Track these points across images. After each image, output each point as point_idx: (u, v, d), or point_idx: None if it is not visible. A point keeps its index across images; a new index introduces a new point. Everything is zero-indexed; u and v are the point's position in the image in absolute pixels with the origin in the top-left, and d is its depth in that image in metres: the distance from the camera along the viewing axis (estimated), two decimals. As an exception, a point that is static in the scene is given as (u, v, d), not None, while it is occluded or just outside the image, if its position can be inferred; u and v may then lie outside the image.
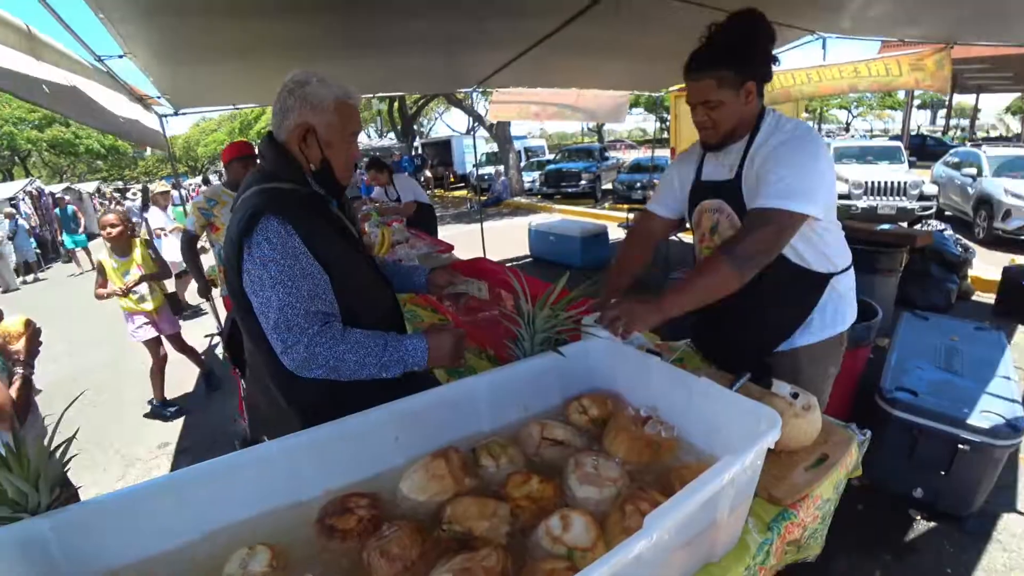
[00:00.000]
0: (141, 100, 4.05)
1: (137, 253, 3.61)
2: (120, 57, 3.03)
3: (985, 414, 2.18)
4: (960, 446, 2.17)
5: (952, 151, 10.32)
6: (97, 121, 2.70)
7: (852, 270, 1.54)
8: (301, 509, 0.98)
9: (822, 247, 1.43)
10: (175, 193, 6.20)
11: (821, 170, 1.30)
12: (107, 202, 19.62)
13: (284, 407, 1.28)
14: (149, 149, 4.56)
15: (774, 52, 1.39)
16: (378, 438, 1.06)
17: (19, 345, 1.69)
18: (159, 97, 4.14)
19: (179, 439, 3.57)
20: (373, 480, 1.04)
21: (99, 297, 3.58)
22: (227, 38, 3.13)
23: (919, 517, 2.33)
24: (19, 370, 1.66)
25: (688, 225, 1.67)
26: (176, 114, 4.64)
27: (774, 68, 1.41)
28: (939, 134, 25.67)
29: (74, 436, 0.94)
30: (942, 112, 28.88)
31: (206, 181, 20.11)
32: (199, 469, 0.92)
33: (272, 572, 0.83)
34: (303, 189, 1.19)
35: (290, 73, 1.22)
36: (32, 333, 1.73)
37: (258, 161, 1.29)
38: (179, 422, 3.81)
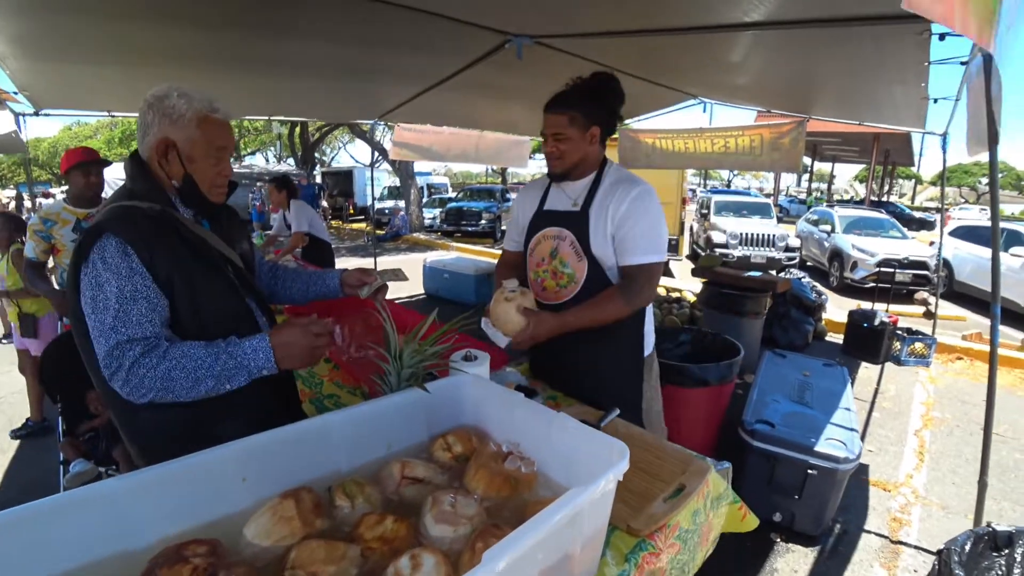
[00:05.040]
0: (-8, 95, 3.59)
1: None
2: (-34, 46, 2.67)
3: (829, 441, 2.43)
4: (809, 471, 2.39)
5: (811, 209, 11.81)
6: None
7: (651, 306, 1.84)
8: (129, 561, 0.85)
9: None
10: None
11: (664, 221, 1.63)
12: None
13: (130, 442, 1.21)
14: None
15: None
16: (224, 478, 0.96)
17: None
18: (16, 93, 3.68)
19: (0, 488, 3.03)
20: (216, 524, 0.93)
21: None
22: (104, 40, 2.88)
23: (778, 540, 2.52)
24: None
25: (524, 252, 1.86)
26: (37, 114, 4.14)
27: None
28: (804, 195, 29.64)
29: None
30: (806, 176, 33.21)
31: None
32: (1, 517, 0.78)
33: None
34: (155, 207, 1.14)
35: (153, 87, 1.17)
36: None
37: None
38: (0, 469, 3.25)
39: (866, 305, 5.89)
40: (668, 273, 9.61)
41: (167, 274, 1.11)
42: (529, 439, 1.05)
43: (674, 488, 1.24)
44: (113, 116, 4.51)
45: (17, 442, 3.55)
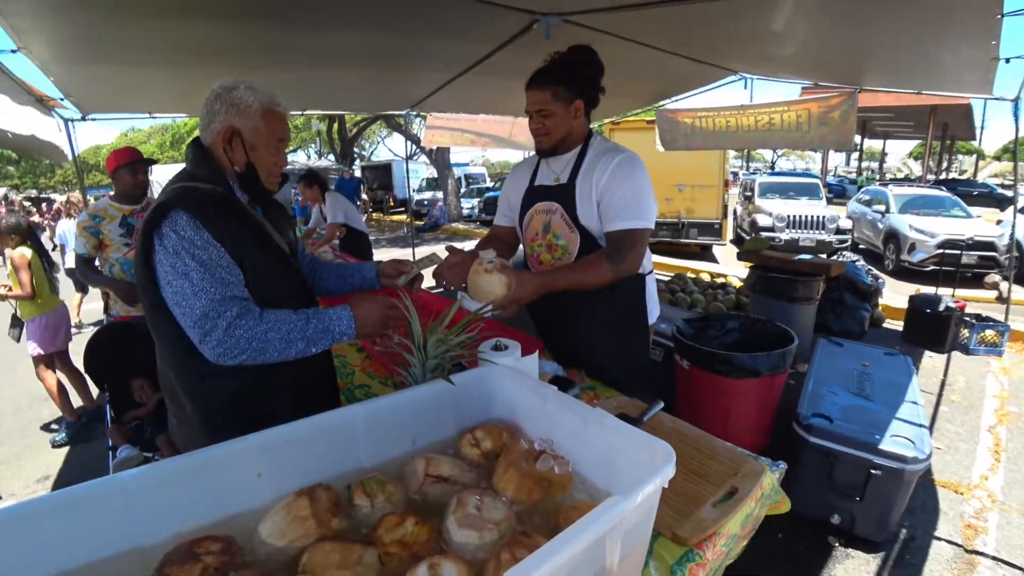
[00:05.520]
0: (40, 101, 3.71)
1: None
2: (13, 52, 2.75)
3: (895, 439, 2.23)
4: (873, 471, 2.20)
5: (863, 189, 11.16)
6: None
7: (653, 275, 1.86)
8: (142, 557, 0.82)
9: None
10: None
11: (650, 188, 1.61)
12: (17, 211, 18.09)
13: (189, 414, 1.25)
14: (69, 156, 4.17)
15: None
16: (241, 472, 0.91)
17: None
18: (62, 99, 3.81)
19: (60, 471, 3.18)
20: (232, 520, 0.89)
21: None
22: (142, 40, 2.91)
23: (837, 544, 2.34)
24: None
25: (518, 229, 1.91)
26: (84, 119, 4.29)
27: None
28: (854, 175, 28.18)
29: None
30: (855, 155, 31.59)
31: None
32: (11, 511, 0.75)
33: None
34: (217, 189, 1.19)
35: (218, 80, 1.23)
36: None
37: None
38: (63, 452, 3.41)
39: (925, 289, 5.49)
40: (711, 258, 9.29)
41: (235, 250, 1.14)
42: (563, 436, 0.95)
43: (725, 492, 1.12)
44: (153, 117, 4.62)
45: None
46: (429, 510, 0.89)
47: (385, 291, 1.52)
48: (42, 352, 3.50)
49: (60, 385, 3.56)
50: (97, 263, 2.99)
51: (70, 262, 5.72)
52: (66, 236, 6.01)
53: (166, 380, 1.28)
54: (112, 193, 3.08)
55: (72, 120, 4.23)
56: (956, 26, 2.66)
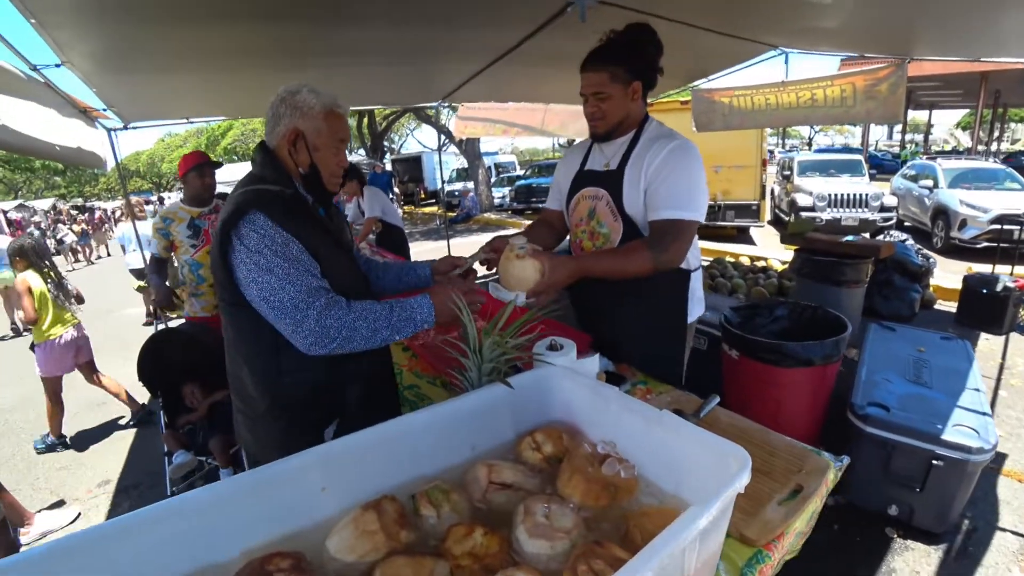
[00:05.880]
0: (85, 113, 3.84)
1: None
2: (57, 66, 2.84)
3: (958, 428, 2.14)
4: (934, 461, 2.12)
5: (909, 164, 10.66)
6: (27, 150, 2.53)
7: (700, 272, 1.80)
8: (214, 575, 0.83)
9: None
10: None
11: (704, 180, 1.54)
12: (64, 220, 18.96)
13: (261, 411, 1.28)
14: (109, 165, 4.29)
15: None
16: (304, 487, 0.92)
17: None
18: (105, 109, 3.93)
19: (120, 476, 3.30)
20: (299, 535, 0.90)
21: None
22: (176, 47, 2.96)
23: (895, 535, 2.27)
24: None
25: (565, 213, 1.87)
26: (126, 128, 4.42)
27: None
28: (896, 148, 26.92)
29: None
30: (898, 128, 30.10)
31: (161, 201, 20.03)
32: (83, 535, 0.77)
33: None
34: (286, 190, 1.22)
35: (283, 85, 1.26)
36: None
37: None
38: (121, 456, 3.56)
39: (979, 268, 5.22)
40: (749, 240, 9.03)
41: (309, 247, 1.18)
42: (626, 438, 0.93)
43: (790, 490, 1.09)
44: (190, 121, 4.72)
45: (134, 431, 3.91)
46: (495, 518, 0.89)
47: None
48: (45, 376, 3.58)
49: (59, 404, 3.66)
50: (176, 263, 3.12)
51: (132, 262, 6.08)
52: (127, 237, 6.31)
53: (236, 378, 1.31)
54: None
55: (115, 130, 4.37)
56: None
